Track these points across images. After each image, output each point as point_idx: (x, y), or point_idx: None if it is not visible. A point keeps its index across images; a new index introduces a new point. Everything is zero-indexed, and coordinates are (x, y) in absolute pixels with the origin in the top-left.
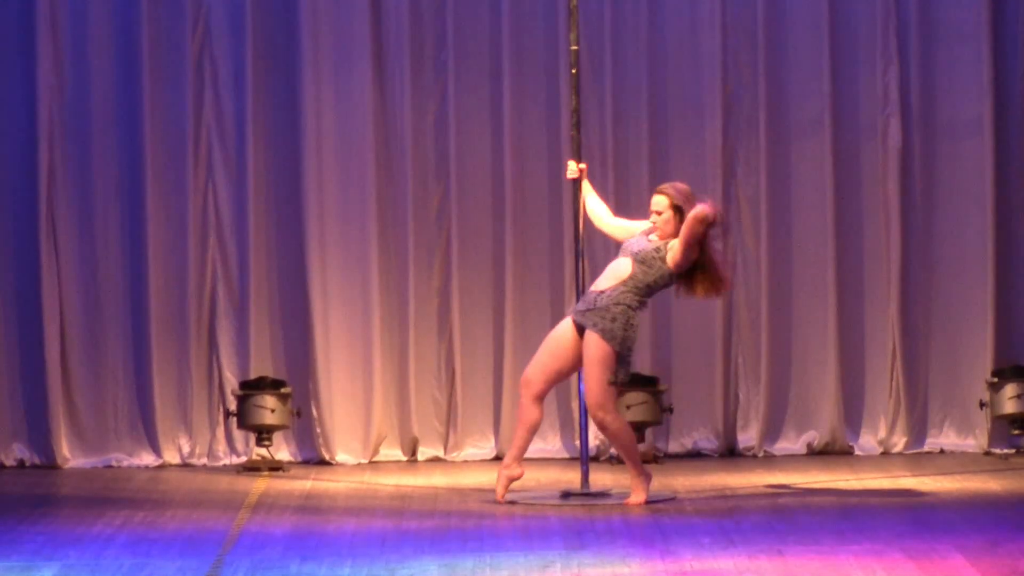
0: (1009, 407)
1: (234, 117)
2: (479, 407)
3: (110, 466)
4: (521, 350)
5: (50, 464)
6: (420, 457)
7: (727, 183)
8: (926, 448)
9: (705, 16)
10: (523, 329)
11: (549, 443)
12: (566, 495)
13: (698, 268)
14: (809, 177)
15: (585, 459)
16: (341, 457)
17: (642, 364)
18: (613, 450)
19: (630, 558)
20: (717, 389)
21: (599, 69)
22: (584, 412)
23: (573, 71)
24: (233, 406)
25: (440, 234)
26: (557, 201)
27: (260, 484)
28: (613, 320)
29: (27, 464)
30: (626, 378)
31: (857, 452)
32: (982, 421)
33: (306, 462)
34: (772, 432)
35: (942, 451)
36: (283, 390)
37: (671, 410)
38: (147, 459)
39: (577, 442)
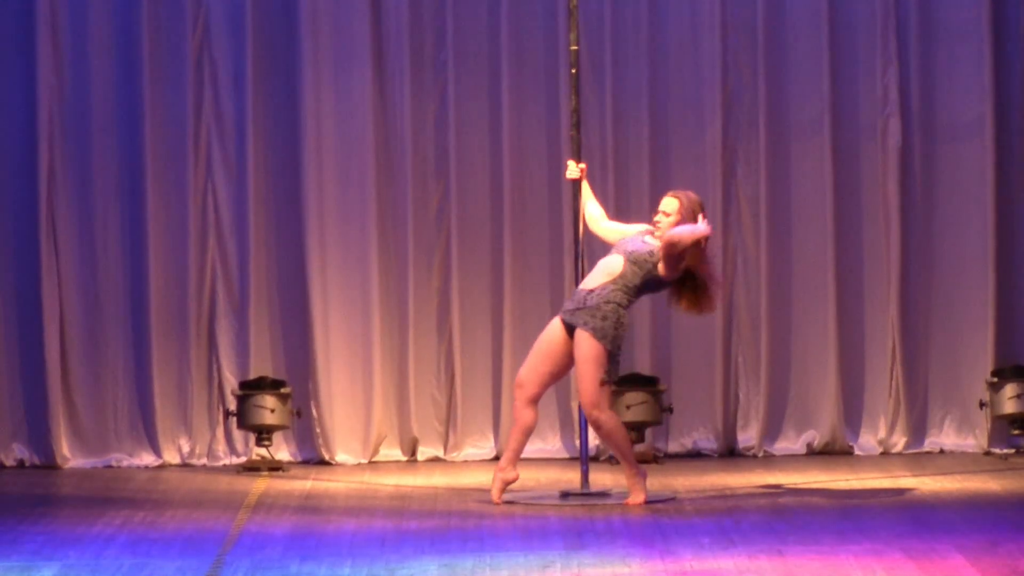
0: (1009, 407)
1: (234, 117)
2: (479, 407)
3: (110, 466)
4: (521, 350)
5: (50, 464)
6: (420, 457)
7: (727, 183)
8: (926, 448)
9: (705, 16)
10: (522, 329)
11: (549, 443)
12: (566, 495)
13: (688, 281)
14: (809, 177)
15: (585, 459)
16: (341, 457)
17: (642, 364)
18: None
19: (630, 558)
20: (717, 389)
21: (599, 69)
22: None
23: (573, 71)
24: (233, 406)
25: (440, 234)
26: (557, 201)
27: (260, 484)
28: (604, 319)
29: (27, 464)
30: (616, 376)
31: (857, 452)
32: (982, 421)
33: (306, 462)
34: (772, 432)
35: (942, 451)
36: (283, 390)
37: (671, 410)
38: (147, 459)
39: (577, 442)
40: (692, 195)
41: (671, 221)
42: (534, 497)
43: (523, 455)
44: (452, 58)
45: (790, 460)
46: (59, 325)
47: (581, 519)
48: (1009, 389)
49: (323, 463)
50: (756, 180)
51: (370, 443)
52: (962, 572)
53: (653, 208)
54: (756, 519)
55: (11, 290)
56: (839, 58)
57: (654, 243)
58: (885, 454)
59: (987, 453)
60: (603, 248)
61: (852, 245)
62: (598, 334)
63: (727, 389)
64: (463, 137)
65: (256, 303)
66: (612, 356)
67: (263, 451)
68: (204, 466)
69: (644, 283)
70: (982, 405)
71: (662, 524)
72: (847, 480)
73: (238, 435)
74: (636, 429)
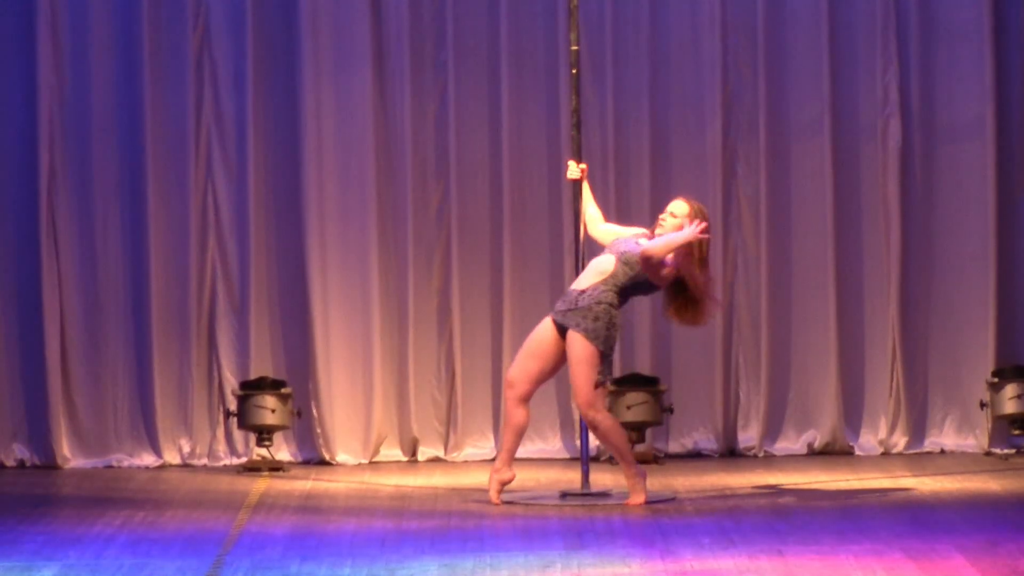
0: (1009, 407)
1: (234, 117)
2: (479, 407)
3: (110, 466)
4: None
5: (50, 464)
6: (420, 457)
7: (727, 183)
8: (926, 448)
9: (705, 16)
10: (522, 329)
11: (549, 443)
12: (566, 495)
13: (681, 292)
14: (809, 177)
15: (585, 459)
16: (341, 457)
17: (642, 364)
18: None
19: (630, 558)
20: (717, 389)
21: (599, 69)
22: None
23: (573, 71)
24: (233, 406)
25: (440, 234)
26: (557, 201)
27: (260, 484)
28: (596, 319)
29: (27, 464)
30: (610, 376)
31: (857, 452)
32: (982, 421)
33: (306, 462)
34: (772, 432)
35: (942, 451)
36: (283, 390)
37: (671, 410)
38: (147, 459)
39: (577, 442)
40: (703, 208)
41: (675, 223)
42: (534, 497)
43: (524, 455)
44: (452, 58)
45: (790, 460)
46: (59, 325)
47: (581, 519)
48: (1009, 389)
49: (323, 463)
50: (756, 180)
51: (370, 443)
52: (962, 572)
53: (654, 208)
54: (756, 519)
55: (11, 290)
56: (839, 58)
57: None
58: (885, 454)
59: (987, 453)
60: (602, 248)
61: (852, 245)
62: (590, 335)
63: (727, 389)
64: (463, 137)
65: (256, 303)
66: (605, 356)
67: (263, 451)
68: (204, 466)
69: (634, 284)
70: (982, 405)
71: (662, 524)
72: (847, 480)
73: (238, 435)
74: (636, 429)
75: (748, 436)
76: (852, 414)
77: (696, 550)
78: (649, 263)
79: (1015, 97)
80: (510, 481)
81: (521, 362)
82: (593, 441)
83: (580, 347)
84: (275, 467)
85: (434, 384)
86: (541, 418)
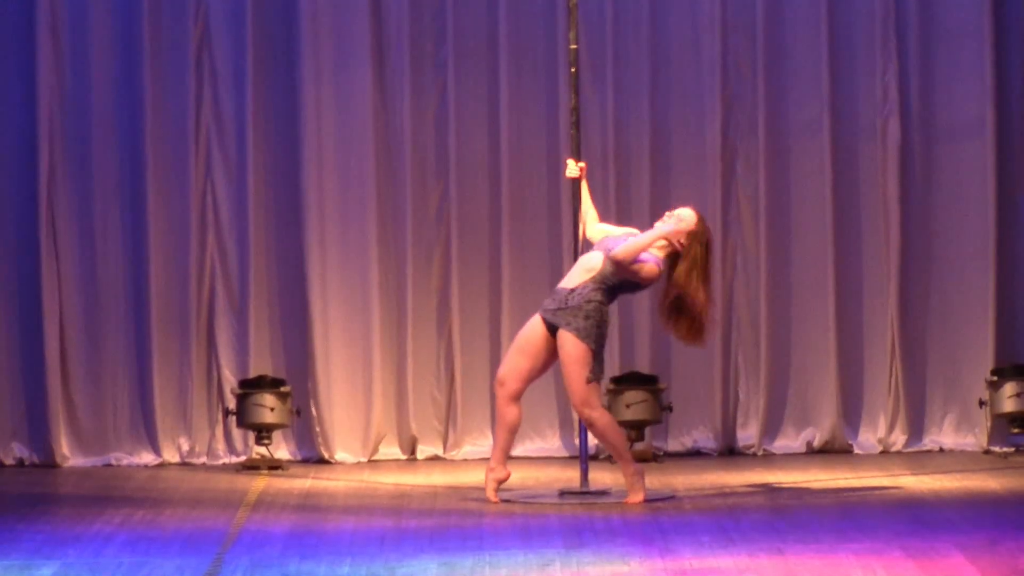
0: (1009, 405)
1: (234, 116)
2: (478, 405)
3: (109, 465)
4: None
5: (49, 463)
6: (419, 456)
7: (727, 182)
8: (926, 446)
9: (705, 15)
10: (522, 328)
11: (548, 442)
12: (565, 494)
13: (678, 311)
14: (809, 176)
15: (584, 458)
16: (340, 456)
17: (642, 363)
18: None
19: (630, 557)
20: (716, 387)
21: (599, 68)
22: None
23: (573, 70)
24: (232, 405)
25: (439, 233)
26: (556, 200)
27: (259, 483)
28: (587, 318)
29: (26, 463)
30: (602, 373)
31: (856, 450)
32: (982, 419)
33: (305, 461)
34: (772, 430)
35: (941, 449)
36: (282, 389)
37: (671, 409)
38: (146, 458)
39: (576, 441)
40: (709, 231)
41: (671, 225)
42: (533, 496)
43: (523, 454)
44: (452, 57)
45: (790, 459)
46: (59, 324)
47: (580, 518)
48: (1009, 388)
49: (322, 462)
50: (756, 179)
51: (369, 442)
52: (962, 570)
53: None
54: (756, 518)
55: (11, 289)
56: (839, 58)
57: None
58: (885, 452)
59: (987, 451)
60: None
61: (852, 244)
62: (582, 334)
63: (727, 388)
64: (463, 136)
65: (256, 302)
66: (596, 354)
67: (262, 450)
68: (203, 465)
69: (621, 282)
70: (982, 403)
71: (662, 523)
72: (847, 479)
73: (237, 434)
74: (636, 428)
75: (747, 434)
76: (851, 412)
77: (695, 548)
78: (620, 266)
79: (1015, 97)
80: (506, 479)
81: (511, 360)
82: (592, 440)
83: (572, 346)
84: (274, 465)
85: (433, 383)
86: (540, 417)
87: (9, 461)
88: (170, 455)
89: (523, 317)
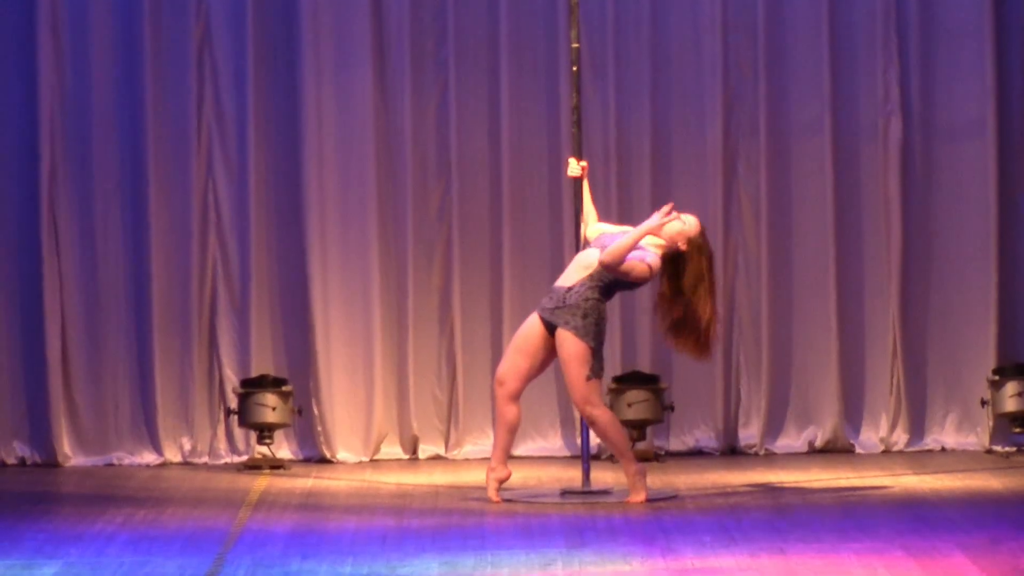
0: (1010, 405)
1: (235, 116)
2: (479, 405)
3: (111, 464)
4: None
5: (51, 462)
6: (421, 455)
7: (728, 181)
8: (927, 446)
9: (706, 15)
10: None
11: (550, 441)
12: (567, 493)
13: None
14: (810, 176)
15: (586, 457)
16: (342, 455)
17: (643, 362)
18: None
19: (631, 556)
20: (718, 387)
21: (600, 67)
22: None
23: (574, 69)
24: (234, 404)
25: (440, 232)
26: (557, 199)
27: (261, 482)
28: (585, 316)
29: (28, 462)
30: (602, 370)
31: (858, 450)
32: (983, 419)
33: (307, 460)
34: (773, 430)
35: (943, 449)
36: (284, 388)
37: (672, 408)
38: (148, 457)
39: (578, 440)
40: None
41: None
42: (535, 495)
43: (524, 453)
44: (453, 56)
45: (791, 458)
46: (60, 323)
47: (582, 517)
48: (1010, 387)
49: (324, 461)
50: (757, 179)
51: (371, 441)
52: (963, 570)
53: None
54: (757, 517)
55: (12, 288)
56: (840, 57)
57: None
58: (886, 452)
59: (988, 451)
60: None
61: (853, 244)
62: (580, 333)
63: (728, 387)
64: (464, 135)
65: (257, 301)
66: (596, 352)
67: (264, 449)
68: (205, 464)
69: (617, 280)
70: (983, 403)
71: (663, 522)
72: (848, 478)
73: (239, 433)
74: (637, 427)
75: (749, 434)
76: (853, 412)
77: (697, 548)
78: (611, 269)
79: (1016, 96)
80: (507, 479)
81: (510, 360)
82: (594, 439)
83: (571, 345)
84: (276, 465)
85: (434, 382)
86: (541, 416)
87: (11, 460)
88: (172, 454)
89: (524, 316)
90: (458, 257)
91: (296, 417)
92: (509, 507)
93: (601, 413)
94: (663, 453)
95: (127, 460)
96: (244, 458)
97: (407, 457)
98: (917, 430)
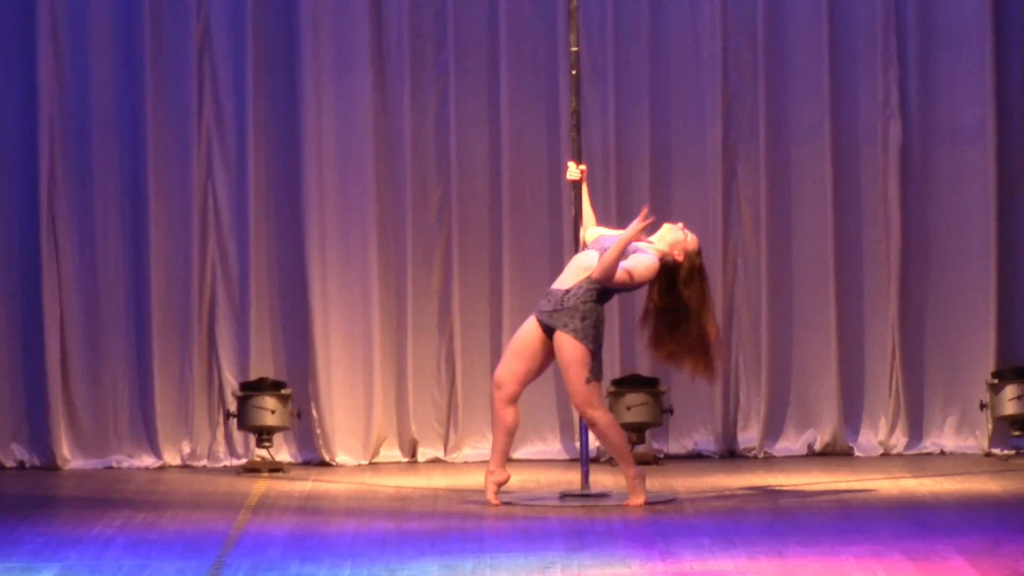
0: (1010, 408)
1: (234, 117)
2: (479, 408)
3: (110, 467)
4: None
5: (50, 465)
6: (420, 458)
7: (728, 184)
8: (926, 449)
9: (706, 18)
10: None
11: (549, 444)
12: (566, 496)
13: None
14: (809, 178)
15: (585, 460)
16: (341, 458)
17: (642, 365)
18: None
19: (630, 559)
20: (717, 390)
21: (600, 70)
22: None
23: (573, 72)
24: (233, 407)
25: (440, 235)
26: (557, 203)
27: (260, 485)
28: (583, 319)
29: (27, 465)
30: (601, 372)
31: (857, 453)
32: (983, 422)
33: (306, 463)
34: (772, 433)
35: (942, 452)
36: (283, 391)
37: (671, 411)
38: (147, 460)
39: (577, 443)
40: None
41: (674, 237)
42: (534, 498)
43: (523, 456)
44: (452, 59)
45: (790, 461)
46: (59, 326)
47: (581, 520)
48: (1010, 390)
49: (323, 464)
50: (757, 181)
51: (370, 444)
52: (962, 573)
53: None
54: (756, 520)
55: (11, 290)
56: (839, 60)
57: (638, 245)
58: (885, 455)
59: (988, 454)
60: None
61: (852, 246)
62: (579, 335)
63: (727, 390)
64: (463, 138)
65: (256, 304)
66: (595, 354)
67: (263, 452)
68: (204, 467)
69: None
70: (983, 406)
71: (662, 525)
72: (847, 481)
73: (238, 436)
74: (636, 430)
75: (748, 437)
76: (852, 415)
77: (696, 551)
78: (607, 283)
79: (1015, 99)
80: (505, 481)
81: (507, 363)
82: (593, 442)
83: (570, 348)
84: (275, 468)
85: (434, 385)
86: (540, 419)
87: (10, 463)
88: (171, 457)
89: (524, 319)
90: (457, 260)
91: (295, 420)
92: (508, 510)
93: (601, 415)
94: (662, 456)
95: (126, 463)
96: (243, 461)
97: (406, 460)
98: (916, 433)
